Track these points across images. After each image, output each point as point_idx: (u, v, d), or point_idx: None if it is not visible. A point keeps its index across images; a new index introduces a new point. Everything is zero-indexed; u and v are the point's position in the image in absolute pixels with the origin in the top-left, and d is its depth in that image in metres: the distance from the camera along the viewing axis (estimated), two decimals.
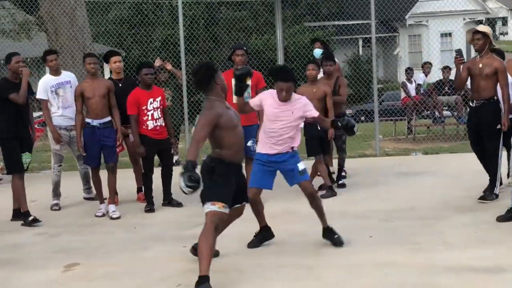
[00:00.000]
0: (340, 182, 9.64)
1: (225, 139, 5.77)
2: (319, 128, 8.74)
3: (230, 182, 5.83)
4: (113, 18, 24.42)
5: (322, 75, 9.68)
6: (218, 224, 5.75)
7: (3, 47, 16.91)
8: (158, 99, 8.76)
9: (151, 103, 8.67)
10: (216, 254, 6.13)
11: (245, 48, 8.97)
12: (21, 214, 8.27)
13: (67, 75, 9.20)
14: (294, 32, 24.78)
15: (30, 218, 8.14)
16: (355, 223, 7.62)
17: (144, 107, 8.63)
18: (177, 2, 12.86)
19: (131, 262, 6.60)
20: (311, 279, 5.85)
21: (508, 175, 9.01)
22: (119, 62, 9.15)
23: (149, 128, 8.68)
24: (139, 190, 9.43)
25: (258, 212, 6.78)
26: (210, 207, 5.66)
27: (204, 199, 5.70)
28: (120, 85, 9.05)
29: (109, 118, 8.63)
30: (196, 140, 5.62)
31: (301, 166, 6.70)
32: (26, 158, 8.35)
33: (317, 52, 10.66)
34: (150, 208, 8.72)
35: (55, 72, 9.10)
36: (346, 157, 9.86)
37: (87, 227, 8.14)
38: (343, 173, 10.08)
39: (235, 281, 5.85)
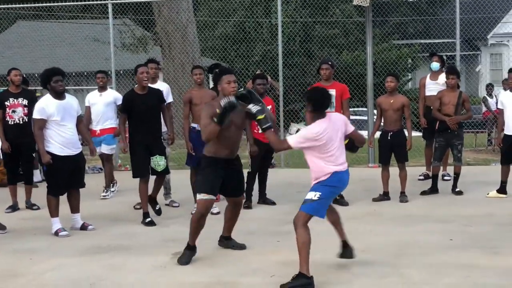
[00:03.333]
0: (457, 189, 9.37)
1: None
2: None
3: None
4: (219, 35, 24.72)
5: (446, 87, 9.51)
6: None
7: (123, 59, 17.39)
8: (269, 107, 8.79)
9: None
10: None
11: (330, 63, 8.95)
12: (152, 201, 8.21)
13: (160, 85, 9.05)
14: (382, 49, 24.42)
15: (147, 220, 7.97)
16: (437, 227, 7.45)
17: None
18: (276, 21, 12.90)
19: (230, 253, 6.66)
20: (395, 276, 5.75)
21: None
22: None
23: (259, 131, 8.67)
24: None
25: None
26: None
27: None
28: None
29: None
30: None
31: (308, 195, 5.62)
32: (158, 160, 8.03)
33: (435, 65, 10.36)
34: (248, 205, 8.75)
35: (152, 80, 8.84)
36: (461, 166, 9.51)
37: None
38: (446, 177, 10.16)
39: (324, 274, 5.81)
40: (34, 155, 9.14)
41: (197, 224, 6.35)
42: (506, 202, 8.69)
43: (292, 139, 5.61)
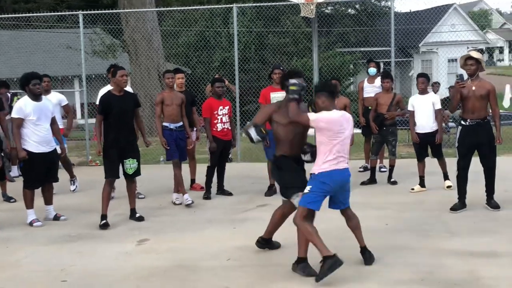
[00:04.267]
0: (392, 180, 9.35)
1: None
2: None
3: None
4: (182, 43, 24.51)
5: (382, 90, 9.55)
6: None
7: (94, 64, 17.12)
8: (227, 107, 8.73)
9: (221, 110, 8.65)
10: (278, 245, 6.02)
11: (281, 68, 8.90)
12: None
13: (129, 89, 8.43)
14: (327, 56, 24.51)
15: (102, 222, 7.19)
16: (374, 213, 7.47)
17: (215, 112, 8.60)
18: (233, 31, 12.83)
19: (191, 239, 6.58)
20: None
21: (445, 179, 8.81)
22: (182, 79, 8.98)
23: (218, 129, 8.63)
24: (192, 181, 9.39)
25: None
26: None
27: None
28: None
29: (181, 123, 8.47)
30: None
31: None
32: (130, 163, 7.37)
33: (372, 70, 10.38)
34: (207, 196, 8.67)
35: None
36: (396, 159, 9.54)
37: (156, 210, 8.14)
38: (383, 169, 10.21)
39: (270, 256, 5.76)
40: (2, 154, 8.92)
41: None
42: (434, 190, 8.76)
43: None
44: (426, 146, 8.85)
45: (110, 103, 7.33)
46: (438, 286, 5.04)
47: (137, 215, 7.51)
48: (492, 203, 7.50)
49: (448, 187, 8.72)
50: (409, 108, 8.89)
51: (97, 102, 7.77)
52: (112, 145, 7.32)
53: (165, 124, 8.40)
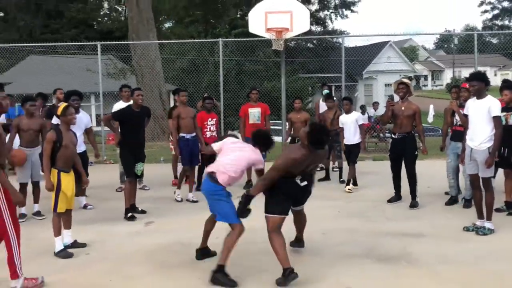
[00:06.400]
0: (341, 179, 9.29)
1: None
2: None
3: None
4: (178, 68, 24.47)
5: (326, 108, 9.62)
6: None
7: (108, 84, 16.99)
8: (214, 119, 8.71)
9: (210, 121, 8.63)
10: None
11: (257, 89, 9.03)
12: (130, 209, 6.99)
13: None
14: (291, 80, 24.70)
15: (128, 215, 6.83)
16: (329, 203, 7.58)
17: (205, 123, 8.57)
18: (218, 59, 12.91)
19: (186, 222, 6.60)
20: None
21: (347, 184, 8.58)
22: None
23: (207, 136, 8.51)
24: (175, 177, 9.15)
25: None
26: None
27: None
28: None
29: (195, 133, 8.13)
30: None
31: None
32: (139, 166, 7.08)
33: (325, 91, 10.49)
34: (200, 189, 8.58)
35: (128, 99, 8.39)
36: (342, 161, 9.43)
37: (158, 199, 8.11)
38: (335, 169, 9.95)
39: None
40: None
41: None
42: (375, 186, 8.88)
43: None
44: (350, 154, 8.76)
45: (128, 115, 7.02)
46: (380, 258, 5.15)
47: (129, 214, 6.78)
48: (411, 203, 7.33)
49: (349, 190, 8.43)
50: (340, 125, 8.88)
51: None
52: (129, 150, 7.01)
53: (181, 134, 8.07)
